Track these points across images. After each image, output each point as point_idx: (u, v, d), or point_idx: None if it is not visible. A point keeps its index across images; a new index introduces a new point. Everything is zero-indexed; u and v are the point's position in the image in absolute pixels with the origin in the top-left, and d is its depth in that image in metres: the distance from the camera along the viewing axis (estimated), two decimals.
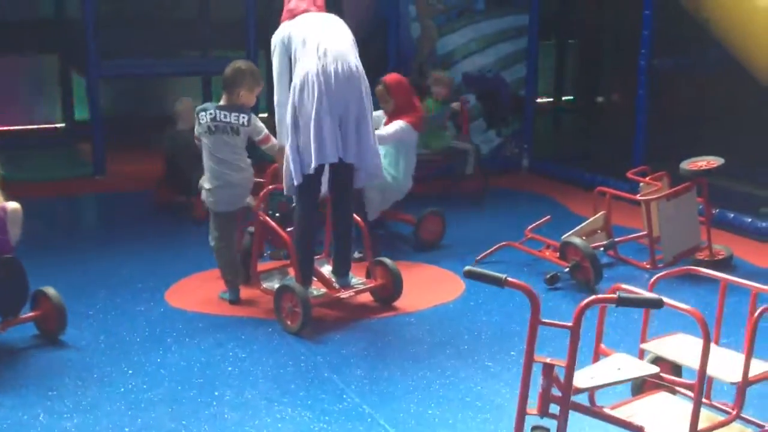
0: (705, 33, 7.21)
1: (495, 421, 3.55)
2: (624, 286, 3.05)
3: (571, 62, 9.44)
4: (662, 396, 3.20)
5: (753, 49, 6.85)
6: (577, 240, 5.16)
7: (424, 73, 8.18)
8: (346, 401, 3.73)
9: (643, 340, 3.27)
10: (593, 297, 2.61)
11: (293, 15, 4.58)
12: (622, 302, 2.55)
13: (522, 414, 2.64)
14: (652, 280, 3.30)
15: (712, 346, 3.22)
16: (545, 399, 2.65)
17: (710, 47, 7.31)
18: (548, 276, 5.19)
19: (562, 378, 2.65)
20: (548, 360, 2.63)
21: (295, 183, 4.47)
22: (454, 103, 7.32)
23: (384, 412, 3.62)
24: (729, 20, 7.03)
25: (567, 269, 5.13)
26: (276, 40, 4.58)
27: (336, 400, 3.73)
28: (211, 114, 4.72)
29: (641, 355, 3.24)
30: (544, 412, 2.65)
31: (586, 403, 3.00)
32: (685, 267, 3.54)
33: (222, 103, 4.80)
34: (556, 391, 2.68)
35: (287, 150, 4.49)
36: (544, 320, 2.61)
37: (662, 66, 7.29)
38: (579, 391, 2.73)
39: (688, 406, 3.13)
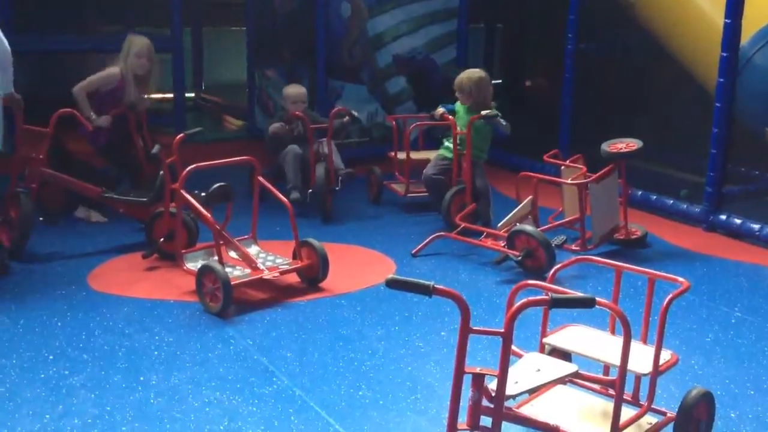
0: (630, 17, 7.35)
1: (425, 401, 3.55)
2: (530, 282, 3.03)
3: (500, 46, 9.53)
4: (560, 390, 3.17)
5: (676, 33, 7.01)
6: (529, 228, 5.13)
7: (354, 56, 8.11)
8: (276, 384, 3.68)
9: (544, 334, 3.23)
10: (525, 300, 2.49)
11: None
12: (556, 304, 2.46)
13: (453, 430, 2.52)
14: (551, 272, 3.29)
15: (612, 337, 3.26)
16: (476, 412, 2.53)
17: (635, 31, 7.46)
18: (496, 260, 5.25)
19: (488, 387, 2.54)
20: (478, 370, 2.52)
21: None
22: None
23: (315, 395, 3.59)
24: (653, 4, 7.19)
25: (519, 257, 5.05)
26: None
27: (266, 383, 3.68)
28: None
29: (542, 349, 3.20)
30: (474, 426, 2.54)
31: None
32: (578, 257, 3.55)
33: None
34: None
35: None
36: (474, 328, 2.48)
37: (588, 50, 7.40)
38: (509, 398, 2.63)
39: (590, 398, 3.16)
